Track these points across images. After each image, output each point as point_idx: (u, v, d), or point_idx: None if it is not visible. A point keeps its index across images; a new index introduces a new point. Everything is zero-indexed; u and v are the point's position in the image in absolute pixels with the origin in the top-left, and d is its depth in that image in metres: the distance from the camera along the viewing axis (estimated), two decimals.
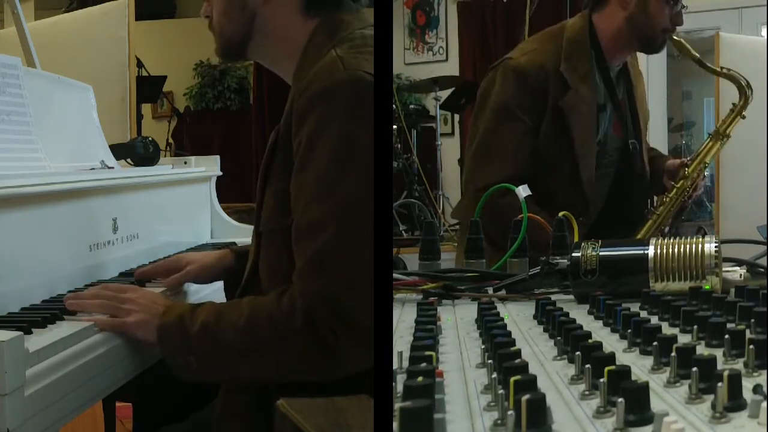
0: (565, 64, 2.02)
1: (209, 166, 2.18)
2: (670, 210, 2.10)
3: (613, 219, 2.13)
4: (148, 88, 6.30)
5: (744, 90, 2.09)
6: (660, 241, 1.07)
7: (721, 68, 2.15)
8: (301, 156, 1.17)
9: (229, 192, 2.67)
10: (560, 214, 1.40)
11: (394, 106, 5.67)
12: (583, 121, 2.03)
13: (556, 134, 2.02)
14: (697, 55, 2.08)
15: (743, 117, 2.10)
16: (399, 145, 5.73)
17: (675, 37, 2.06)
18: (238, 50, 1.36)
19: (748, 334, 0.70)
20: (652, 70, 5.83)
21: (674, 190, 2.11)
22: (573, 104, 2.01)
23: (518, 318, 1.00)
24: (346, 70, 1.16)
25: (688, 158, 2.15)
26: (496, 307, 1.00)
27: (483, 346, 0.80)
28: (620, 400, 0.53)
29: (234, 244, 1.98)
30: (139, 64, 5.68)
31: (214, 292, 1.57)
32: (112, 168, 1.85)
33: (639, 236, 2.08)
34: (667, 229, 2.12)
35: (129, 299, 1.29)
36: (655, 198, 2.21)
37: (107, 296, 1.31)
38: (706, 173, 2.18)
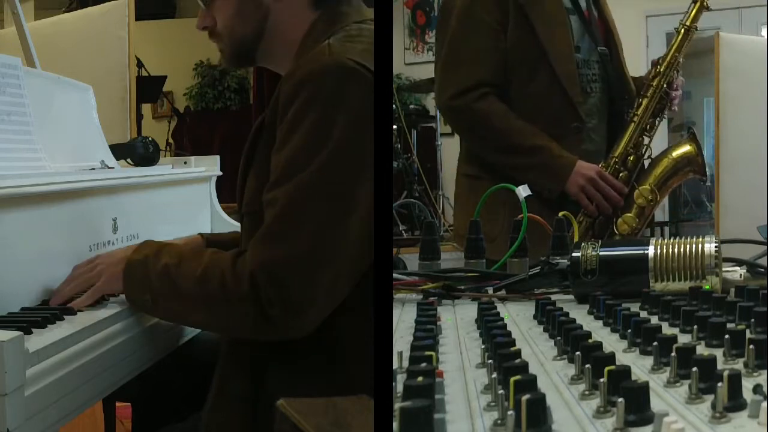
0: None
1: (209, 166, 2.17)
2: (648, 110, 2.07)
3: (599, 133, 2.10)
4: (148, 88, 6.30)
5: None
6: (660, 241, 1.07)
7: None
8: (281, 137, 1.19)
9: (229, 192, 2.67)
10: (560, 214, 1.39)
11: (394, 106, 5.67)
12: (549, 19, 1.99)
13: (524, 33, 1.98)
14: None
15: (707, 8, 2.10)
16: (399, 145, 5.73)
17: None
18: (249, 53, 1.37)
19: (748, 334, 0.70)
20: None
21: (650, 89, 2.07)
22: (535, 1, 1.97)
23: (518, 318, 1.00)
24: (330, 56, 1.19)
25: (659, 58, 2.12)
26: (496, 307, 1.00)
27: (483, 346, 0.80)
28: (620, 400, 0.53)
29: None
30: (139, 64, 5.68)
31: None
32: (112, 168, 1.85)
33: (621, 144, 2.05)
34: (649, 139, 2.09)
35: (97, 264, 1.36)
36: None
37: (78, 274, 1.37)
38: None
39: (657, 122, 2.11)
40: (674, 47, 2.09)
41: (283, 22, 1.32)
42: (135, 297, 1.28)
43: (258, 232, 1.17)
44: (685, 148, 2.11)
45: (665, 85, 2.08)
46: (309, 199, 1.15)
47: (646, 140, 2.10)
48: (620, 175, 2.05)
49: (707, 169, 2.18)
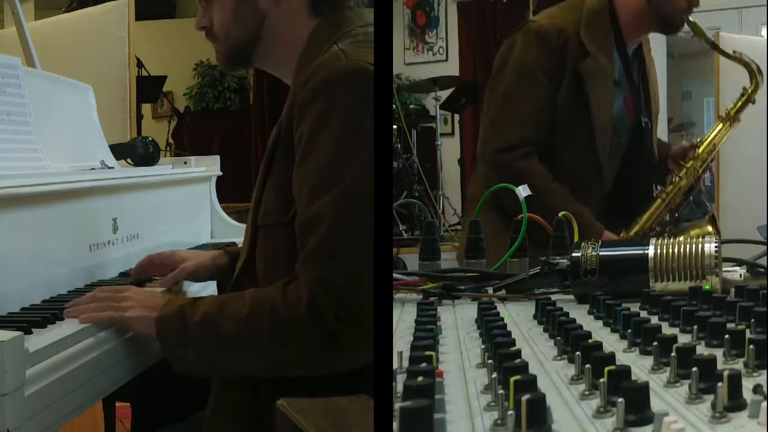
0: (584, 31, 2.02)
1: (209, 166, 2.18)
2: (679, 190, 2.11)
3: (622, 200, 2.14)
4: (148, 88, 6.30)
5: (755, 75, 2.11)
6: (660, 241, 1.07)
7: (734, 52, 2.16)
8: (303, 148, 1.16)
9: (229, 192, 2.67)
10: (560, 214, 1.40)
11: (394, 106, 5.67)
12: (600, 90, 2.04)
13: (574, 100, 2.03)
14: (712, 38, 2.11)
15: (753, 102, 2.12)
16: (399, 145, 5.73)
17: (691, 19, 2.06)
18: (245, 56, 1.35)
19: (748, 334, 0.70)
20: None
21: (684, 170, 2.12)
22: (591, 71, 2.02)
23: (518, 318, 1.00)
24: (348, 61, 1.17)
25: (698, 140, 2.16)
26: (496, 307, 1.00)
27: (483, 346, 0.80)
28: (620, 400, 0.53)
29: (234, 244, 1.98)
30: (139, 64, 5.68)
31: (214, 292, 1.57)
32: (112, 168, 1.85)
33: (645, 217, 2.09)
34: (673, 215, 2.12)
35: (126, 297, 1.29)
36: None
37: (104, 297, 1.30)
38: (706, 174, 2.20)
39: (683, 201, 2.14)
40: (715, 136, 2.14)
41: (280, 27, 1.31)
42: (174, 353, 1.20)
43: (306, 252, 1.13)
44: (704, 228, 2.14)
45: (699, 170, 2.13)
46: (350, 211, 1.11)
47: (668, 216, 2.15)
48: None
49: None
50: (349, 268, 1.10)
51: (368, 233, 1.08)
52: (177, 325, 1.18)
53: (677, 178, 2.11)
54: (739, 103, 2.13)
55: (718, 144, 2.14)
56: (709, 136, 2.14)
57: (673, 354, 0.64)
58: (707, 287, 1.00)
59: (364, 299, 1.08)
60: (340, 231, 1.12)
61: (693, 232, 2.13)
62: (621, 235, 2.07)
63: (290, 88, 1.27)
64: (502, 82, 2.08)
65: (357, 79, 1.15)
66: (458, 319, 1.01)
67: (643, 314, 0.89)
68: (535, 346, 0.82)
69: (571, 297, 1.12)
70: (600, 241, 1.12)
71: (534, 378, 0.59)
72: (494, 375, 0.63)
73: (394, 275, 1.21)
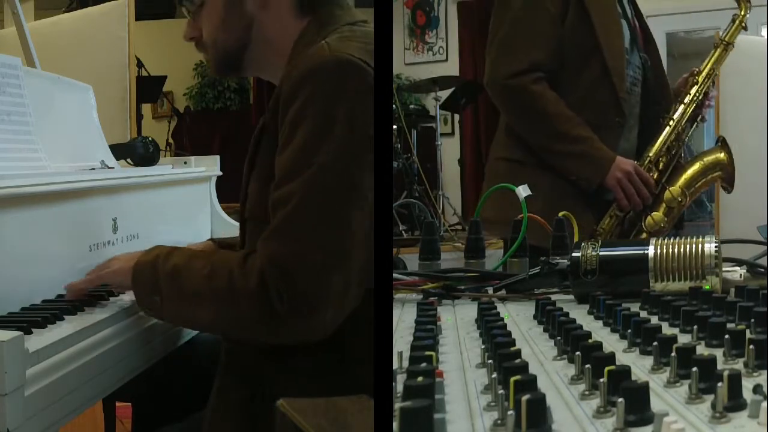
0: None
1: (209, 166, 2.17)
2: (684, 116, 2.13)
3: (648, 136, 2.15)
4: (148, 88, 6.30)
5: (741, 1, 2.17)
6: (660, 241, 1.07)
7: None
8: (285, 137, 1.19)
9: (229, 192, 2.66)
10: (560, 214, 1.40)
11: (394, 106, 5.67)
12: (606, 15, 2.06)
13: (581, 25, 2.04)
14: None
15: (745, 28, 2.18)
16: (399, 145, 5.72)
17: None
18: (235, 62, 1.36)
19: (748, 334, 0.70)
20: None
21: (687, 96, 2.14)
22: None
23: (518, 318, 1.00)
24: (330, 53, 1.18)
25: (696, 69, 2.19)
26: (496, 307, 1.00)
27: (483, 346, 0.80)
28: (620, 400, 0.53)
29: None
30: (139, 64, 5.68)
31: None
32: (112, 168, 1.85)
33: (657, 145, 2.11)
34: (681, 143, 2.15)
35: (113, 259, 1.39)
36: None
37: (94, 270, 1.40)
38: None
39: (690, 128, 2.17)
40: (712, 60, 2.17)
41: (269, 30, 1.32)
42: (144, 298, 1.27)
43: (267, 230, 1.17)
44: (718, 155, 2.18)
45: (701, 96, 2.15)
46: (317, 195, 1.14)
47: (679, 144, 2.16)
48: (652, 175, 2.11)
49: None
50: (304, 251, 1.12)
51: (334, 220, 1.13)
52: (149, 272, 1.25)
53: (681, 106, 2.14)
54: (732, 29, 2.17)
55: (716, 69, 2.18)
56: (706, 63, 2.17)
57: (673, 354, 0.64)
58: (707, 287, 1.00)
59: (310, 282, 1.11)
60: (300, 214, 1.14)
61: (707, 158, 2.16)
62: (637, 162, 2.09)
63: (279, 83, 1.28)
64: (509, 9, 2.09)
65: (338, 70, 1.17)
66: (458, 319, 1.01)
67: (643, 314, 0.89)
68: (535, 346, 0.82)
69: (571, 297, 1.12)
70: (600, 241, 1.12)
71: (534, 378, 0.59)
72: (494, 375, 0.63)
73: (394, 275, 1.21)
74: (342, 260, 1.13)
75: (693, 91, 2.14)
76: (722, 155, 2.17)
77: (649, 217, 2.08)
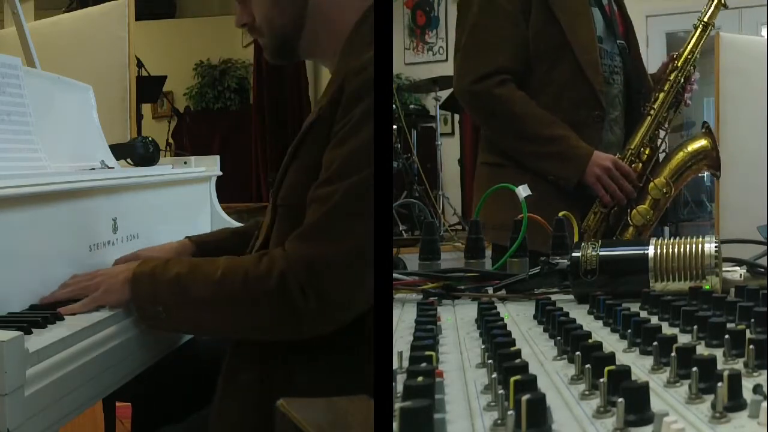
0: None
1: (209, 166, 2.17)
2: (664, 104, 2.10)
3: (630, 127, 2.12)
4: (148, 88, 6.30)
5: None
6: (660, 241, 1.07)
7: None
8: (345, 131, 1.16)
9: (229, 192, 2.67)
10: (560, 213, 1.39)
11: (394, 106, 5.66)
12: (571, 8, 2.01)
13: (546, 22, 2.00)
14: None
15: (725, 6, 2.11)
16: (399, 145, 5.72)
17: None
18: (292, 45, 1.33)
19: (748, 334, 0.70)
20: (652, 70, 5.82)
21: (667, 84, 2.10)
22: None
23: (518, 318, 1.00)
24: None
25: (675, 54, 2.15)
26: (496, 307, 1.00)
27: (483, 346, 0.80)
28: (620, 400, 0.53)
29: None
30: (139, 64, 5.68)
31: None
32: (112, 168, 1.85)
33: (638, 136, 2.08)
34: (663, 129, 2.12)
35: (98, 275, 1.36)
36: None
37: (77, 281, 1.37)
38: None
39: (672, 116, 2.14)
40: (691, 43, 2.12)
41: (324, 10, 1.28)
42: (145, 309, 1.26)
43: (302, 227, 1.16)
44: (701, 143, 2.13)
45: (682, 80, 2.11)
46: (360, 201, 1.13)
47: (662, 134, 2.13)
48: (635, 167, 2.07)
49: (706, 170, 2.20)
50: (335, 255, 1.12)
51: (364, 230, 1.11)
52: (148, 282, 1.24)
53: (662, 94, 2.10)
54: (711, 8, 2.10)
55: (696, 51, 2.12)
56: (686, 46, 2.12)
57: (673, 354, 0.64)
58: (707, 287, 1.00)
59: (336, 283, 1.12)
60: (338, 217, 1.14)
61: (690, 147, 2.12)
62: (616, 155, 2.04)
63: (335, 73, 1.25)
64: (469, 14, 2.05)
65: None
66: (458, 319, 1.01)
67: (643, 314, 0.89)
68: (535, 346, 0.82)
69: (571, 297, 1.12)
70: (600, 241, 1.12)
71: (534, 378, 0.59)
72: (494, 375, 0.63)
73: (394, 275, 1.21)
74: (367, 262, 1.12)
75: (672, 77, 2.10)
76: (706, 142, 2.12)
77: (634, 211, 2.04)
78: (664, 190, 2.06)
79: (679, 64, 2.11)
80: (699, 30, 2.11)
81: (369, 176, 1.12)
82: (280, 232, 1.25)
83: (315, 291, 1.12)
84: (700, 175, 2.22)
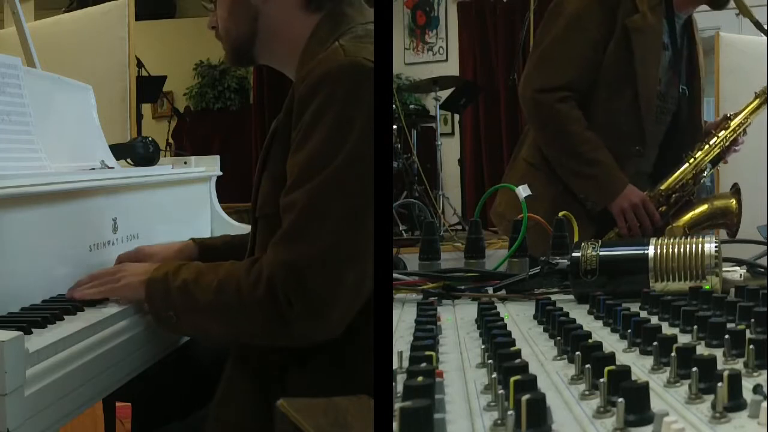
0: None
1: (209, 166, 2.17)
2: (707, 158, 2.14)
3: (663, 169, 2.18)
4: (148, 88, 6.29)
5: None
6: (660, 241, 1.07)
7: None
8: (299, 139, 1.19)
9: (229, 192, 2.67)
10: (560, 214, 1.40)
11: (394, 106, 5.66)
12: (647, 47, 2.08)
13: (621, 54, 2.07)
14: (755, 17, 2.15)
15: None
16: (399, 145, 5.72)
17: None
18: (246, 52, 1.39)
19: (748, 334, 0.70)
20: None
21: (714, 138, 2.15)
22: (639, 26, 2.06)
23: (518, 318, 1.00)
24: (346, 57, 1.19)
25: (731, 113, 2.20)
26: (496, 307, 1.00)
27: (483, 346, 0.80)
28: (620, 400, 0.53)
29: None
30: (139, 64, 5.67)
31: None
32: (112, 168, 1.85)
33: (672, 178, 2.13)
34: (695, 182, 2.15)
35: (121, 270, 1.39)
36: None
37: (101, 274, 1.40)
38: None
39: (709, 171, 2.19)
40: (748, 110, 2.19)
41: (275, 23, 1.34)
42: (160, 314, 1.28)
43: (276, 235, 1.17)
44: (728, 202, 2.19)
45: (728, 142, 2.17)
46: (327, 200, 1.15)
47: (694, 183, 2.17)
48: (661, 208, 2.13)
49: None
50: (310, 256, 1.13)
51: (344, 224, 1.13)
52: (161, 288, 1.26)
53: (707, 146, 2.15)
54: None
55: (750, 118, 2.18)
56: (743, 110, 2.18)
57: (673, 354, 0.64)
58: (707, 287, 1.00)
59: (325, 285, 1.13)
60: (309, 219, 1.15)
61: (717, 203, 2.16)
62: (646, 192, 2.11)
63: (293, 84, 1.28)
64: (552, 27, 2.13)
65: (354, 75, 1.17)
66: (458, 319, 1.01)
67: (643, 314, 0.89)
68: (535, 346, 0.82)
69: (571, 297, 1.12)
70: (600, 241, 1.12)
71: (534, 378, 0.59)
72: (494, 375, 0.63)
73: (394, 275, 1.21)
74: (356, 259, 1.14)
75: (722, 134, 2.16)
76: (732, 203, 2.17)
77: None
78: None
79: (731, 125, 2.17)
80: (761, 99, 2.17)
81: (330, 176, 1.15)
82: (261, 242, 1.28)
83: (298, 294, 1.12)
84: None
